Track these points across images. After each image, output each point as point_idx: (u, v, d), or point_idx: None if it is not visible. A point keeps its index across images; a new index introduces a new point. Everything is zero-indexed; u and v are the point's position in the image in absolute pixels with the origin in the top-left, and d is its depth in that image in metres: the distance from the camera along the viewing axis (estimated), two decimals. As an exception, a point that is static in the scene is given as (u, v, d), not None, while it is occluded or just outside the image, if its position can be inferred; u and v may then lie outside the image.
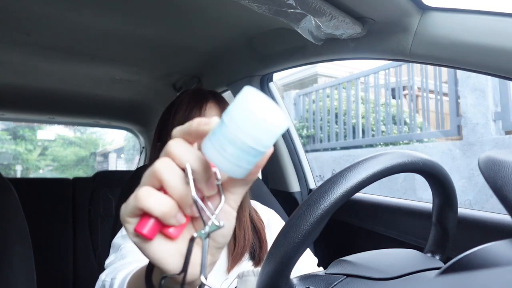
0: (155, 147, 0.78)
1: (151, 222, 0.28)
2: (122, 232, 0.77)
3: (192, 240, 0.30)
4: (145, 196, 0.28)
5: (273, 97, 1.39)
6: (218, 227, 0.29)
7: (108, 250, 0.77)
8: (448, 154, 3.16)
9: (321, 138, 4.79)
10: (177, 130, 0.31)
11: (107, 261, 0.71)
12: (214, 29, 1.05)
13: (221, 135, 0.27)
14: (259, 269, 0.64)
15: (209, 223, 0.29)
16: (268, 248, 0.80)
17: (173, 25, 1.02)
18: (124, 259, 0.65)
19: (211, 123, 0.29)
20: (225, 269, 0.74)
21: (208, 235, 0.29)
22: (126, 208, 0.29)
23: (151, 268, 0.35)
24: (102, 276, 0.64)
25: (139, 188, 0.29)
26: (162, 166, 0.29)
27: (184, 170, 0.29)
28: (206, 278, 0.30)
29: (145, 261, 0.44)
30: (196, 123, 0.29)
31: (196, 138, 0.30)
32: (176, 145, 0.29)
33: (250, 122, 0.26)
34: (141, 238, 0.29)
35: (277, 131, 0.27)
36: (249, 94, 0.27)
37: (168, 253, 0.29)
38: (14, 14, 0.91)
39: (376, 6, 0.75)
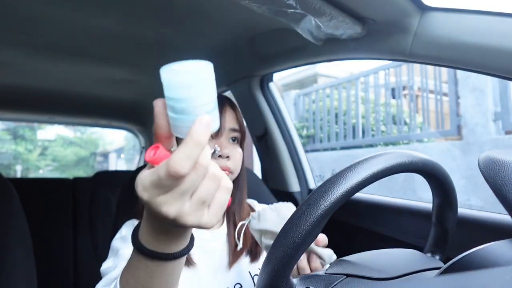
0: None
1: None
2: (121, 233, 0.77)
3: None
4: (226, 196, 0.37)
5: (273, 97, 1.39)
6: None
7: (108, 251, 0.77)
8: (447, 154, 3.16)
9: (321, 138, 4.79)
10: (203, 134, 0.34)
11: (104, 266, 0.71)
12: (214, 29, 1.05)
13: (178, 115, 0.33)
14: (276, 205, 0.62)
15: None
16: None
17: (173, 25, 1.02)
18: (119, 268, 0.65)
19: (210, 122, 0.34)
20: (226, 264, 0.77)
21: None
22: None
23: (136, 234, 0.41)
24: None
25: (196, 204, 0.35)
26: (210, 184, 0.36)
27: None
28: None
29: None
30: (201, 134, 0.34)
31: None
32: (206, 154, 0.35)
33: (186, 82, 0.32)
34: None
35: (208, 70, 0.34)
36: (167, 70, 0.32)
37: None
38: (14, 14, 0.91)
39: (376, 6, 0.75)
